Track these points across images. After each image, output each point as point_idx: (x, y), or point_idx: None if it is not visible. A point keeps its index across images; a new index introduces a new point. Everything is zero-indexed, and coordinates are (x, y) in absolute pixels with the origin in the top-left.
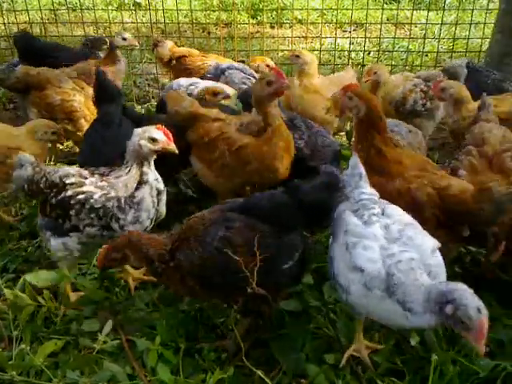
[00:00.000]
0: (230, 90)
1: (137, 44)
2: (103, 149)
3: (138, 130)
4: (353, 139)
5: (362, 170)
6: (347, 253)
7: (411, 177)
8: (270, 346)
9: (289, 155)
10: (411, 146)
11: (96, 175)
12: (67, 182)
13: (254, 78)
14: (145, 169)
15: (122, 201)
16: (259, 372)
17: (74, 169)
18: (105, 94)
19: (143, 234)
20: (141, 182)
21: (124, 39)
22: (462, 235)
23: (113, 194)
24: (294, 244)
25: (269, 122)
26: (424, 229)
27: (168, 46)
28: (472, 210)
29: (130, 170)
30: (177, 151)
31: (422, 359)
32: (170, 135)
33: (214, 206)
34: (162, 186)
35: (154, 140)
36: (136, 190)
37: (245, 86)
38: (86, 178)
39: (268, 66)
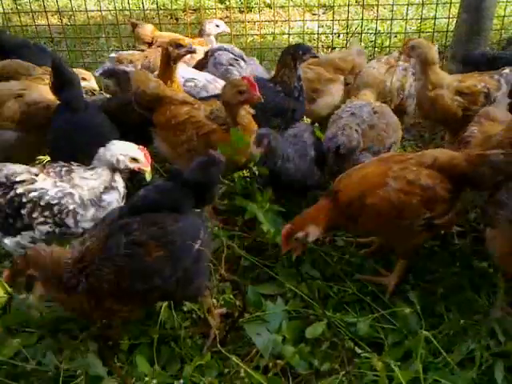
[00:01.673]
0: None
1: (229, 31)
2: (74, 134)
3: (118, 144)
4: None
5: None
6: None
7: (397, 171)
8: (245, 329)
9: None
10: (375, 127)
11: (52, 174)
12: (17, 179)
13: (243, 59)
14: (116, 177)
15: (85, 198)
16: (234, 358)
17: (20, 166)
18: (63, 78)
19: (42, 248)
20: (109, 188)
21: (217, 26)
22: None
23: (71, 191)
24: (196, 223)
25: (238, 121)
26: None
27: (149, 28)
28: (472, 173)
29: (98, 177)
30: (151, 174)
31: (401, 333)
32: (149, 157)
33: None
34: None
35: (134, 159)
36: (104, 194)
37: (231, 68)
38: (37, 175)
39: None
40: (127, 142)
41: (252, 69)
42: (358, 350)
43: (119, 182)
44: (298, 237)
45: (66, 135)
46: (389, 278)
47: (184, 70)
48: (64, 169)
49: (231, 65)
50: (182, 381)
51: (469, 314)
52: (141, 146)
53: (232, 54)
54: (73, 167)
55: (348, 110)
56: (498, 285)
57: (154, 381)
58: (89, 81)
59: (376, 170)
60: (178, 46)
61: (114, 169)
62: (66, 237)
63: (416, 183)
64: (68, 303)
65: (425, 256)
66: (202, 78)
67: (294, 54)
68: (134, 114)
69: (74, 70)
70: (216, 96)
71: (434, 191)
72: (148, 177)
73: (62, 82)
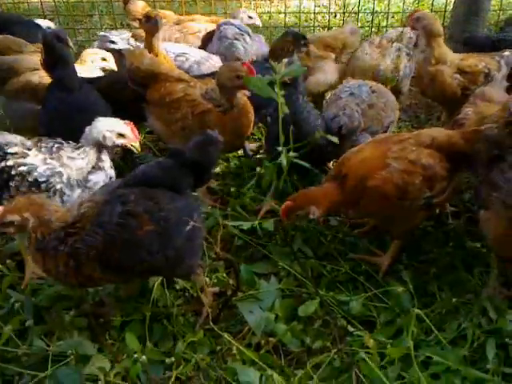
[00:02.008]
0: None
1: (260, 24)
2: (69, 115)
3: (104, 121)
4: None
5: None
6: None
7: (397, 152)
8: (238, 307)
9: (248, 131)
10: (374, 106)
11: (44, 149)
12: (8, 151)
13: (249, 34)
14: (103, 156)
15: (72, 178)
16: (226, 335)
17: (16, 137)
18: (55, 56)
19: (48, 202)
20: (96, 168)
21: (250, 17)
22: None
23: (60, 169)
24: (191, 205)
25: (234, 103)
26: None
27: (140, 5)
28: (470, 151)
29: (85, 156)
30: (140, 149)
31: (393, 312)
32: (137, 132)
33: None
34: (113, 173)
35: (121, 135)
36: (91, 174)
37: (237, 42)
38: (30, 149)
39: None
40: (113, 118)
41: (257, 46)
42: (351, 329)
43: (106, 162)
44: (298, 214)
45: (62, 116)
46: (382, 257)
47: (174, 46)
48: (56, 145)
49: (236, 39)
50: (173, 358)
51: (461, 293)
52: (127, 121)
53: (238, 28)
54: (63, 145)
55: (347, 90)
56: (491, 265)
57: (144, 357)
58: (108, 61)
59: (375, 152)
60: (147, 19)
61: (100, 147)
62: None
63: (418, 163)
64: (45, 263)
65: (418, 236)
66: (195, 53)
67: (296, 40)
68: (127, 91)
69: (93, 49)
70: (212, 75)
71: (434, 170)
72: (138, 149)
73: (55, 60)
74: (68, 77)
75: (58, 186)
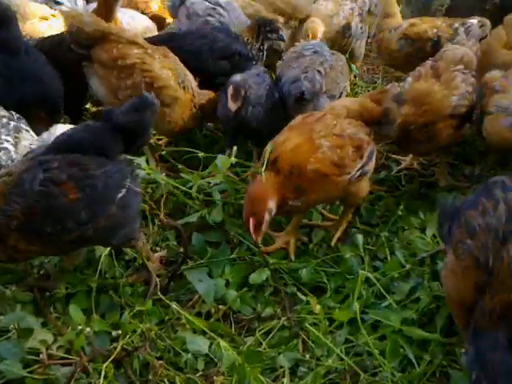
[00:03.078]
0: None
1: None
2: (13, 81)
3: (61, 127)
4: None
5: None
6: None
7: (323, 130)
8: (187, 276)
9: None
10: (334, 68)
11: None
12: None
13: (222, 7)
14: None
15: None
16: (173, 305)
17: None
18: None
19: None
20: None
21: None
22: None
23: (7, 146)
24: (123, 170)
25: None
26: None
27: None
28: (382, 111)
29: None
30: None
31: (344, 277)
32: None
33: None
34: None
35: None
36: None
37: (211, 19)
38: None
39: None
40: (69, 125)
41: (236, 15)
42: (301, 296)
43: None
44: (266, 220)
45: (5, 83)
46: (335, 224)
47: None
48: (12, 124)
49: (210, 15)
50: (120, 331)
51: (413, 256)
52: None
53: (207, 1)
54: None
55: (310, 48)
56: None
57: (89, 329)
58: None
59: (302, 140)
60: None
61: None
62: None
63: (345, 134)
64: None
65: (371, 200)
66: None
67: (260, 27)
68: (73, 53)
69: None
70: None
71: (359, 137)
72: None
73: None
74: (12, 39)
75: (4, 163)
